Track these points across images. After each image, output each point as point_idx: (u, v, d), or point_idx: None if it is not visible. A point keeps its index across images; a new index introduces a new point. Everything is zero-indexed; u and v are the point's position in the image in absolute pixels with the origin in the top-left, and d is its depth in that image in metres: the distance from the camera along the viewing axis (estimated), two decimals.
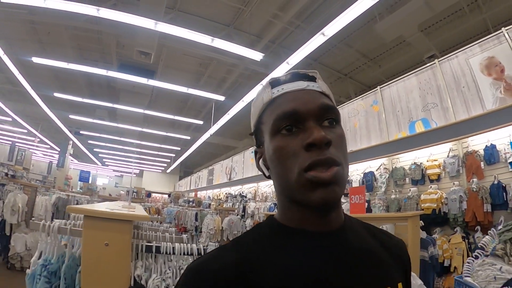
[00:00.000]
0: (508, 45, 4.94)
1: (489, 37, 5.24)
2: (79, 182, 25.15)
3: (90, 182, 24.56)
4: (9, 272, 6.05)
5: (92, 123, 16.23)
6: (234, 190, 14.50)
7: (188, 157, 20.84)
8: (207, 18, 8.30)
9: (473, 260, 2.66)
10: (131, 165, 29.03)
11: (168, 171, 29.62)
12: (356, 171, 7.64)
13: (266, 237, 0.63)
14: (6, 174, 9.34)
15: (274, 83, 0.67)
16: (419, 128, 6.26)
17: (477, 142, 5.32)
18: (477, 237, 4.59)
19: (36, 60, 9.14)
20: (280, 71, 7.71)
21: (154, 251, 2.02)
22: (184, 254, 2.09)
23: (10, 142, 15.91)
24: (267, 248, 0.60)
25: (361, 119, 7.78)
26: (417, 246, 3.28)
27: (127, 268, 1.80)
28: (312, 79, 0.67)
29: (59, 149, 21.60)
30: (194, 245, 2.12)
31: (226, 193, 15.01)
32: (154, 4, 6.70)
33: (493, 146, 5.00)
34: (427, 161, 6.03)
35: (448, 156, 5.68)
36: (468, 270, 2.57)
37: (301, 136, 0.59)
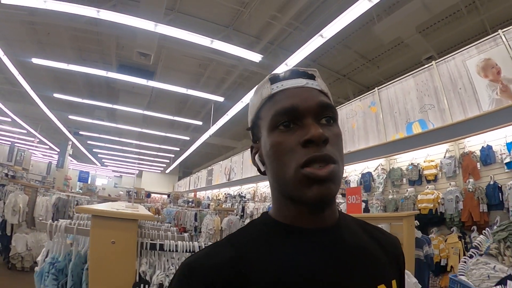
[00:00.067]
0: (504, 47, 4.98)
1: (486, 39, 5.28)
2: (78, 182, 25.14)
3: (89, 182, 24.55)
4: (10, 272, 6.06)
5: (91, 123, 16.24)
6: (233, 190, 14.54)
7: (187, 157, 20.83)
8: (207, 20, 8.34)
9: (468, 259, 2.69)
10: (131, 166, 29.02)
11: (167, 171, 29.59)
12: (354, 172, 7.69)
13: (260, 234, 0.63)
14: (6, 175, 9.34)
15: (274, 79, 0.67)
16: (416, 129, 6.30)
17: (474, 143, 5.36)
18: (473, 237, 4.62)
19: (35, 61, 9.17)
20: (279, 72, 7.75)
21: (158, 249, 2.08)
22: (186, 251, 2.15)
23: (10, 143, 15.87)
24: (261, 245, 0.60)
25: (359, 120, 7.83)
26: (412, 245, 3.33)
27: (132, 264, 1.87)
28: (312, 77, 0.67)
29: (58, 150, 21.55)
30: (196, 243, 2.19)
31: (225, 194, 15.02)
32: (154, 5, 6.72)
33: (489, 147, 5.05)
34: (424, 161, 6.08)
35: (444, 157, 5.73)
36: (462, 269, 2.60)
37: (298, 132, 0.59)
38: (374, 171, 7.21)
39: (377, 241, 0.69)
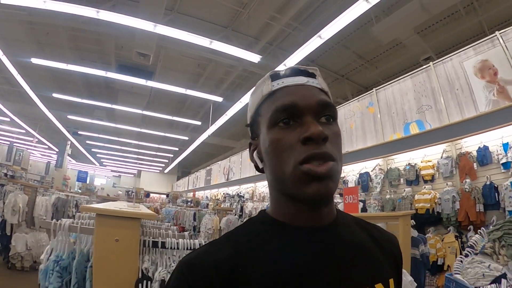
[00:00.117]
0: (501, 48, 5.01)
1: (483, 41, 5.31)
2: (77, 182, 25.13)
3: (87, 182, 24.57)
4: (9, 272, 6.06)
5: (90, 123, 16.22)
6: (232, 190, 14.56)
7: (186, 157, 20.81)
8: (206, 20, 8.35)
9: (463, 258, 2.73)
10: (130, 166, 28.97)
11: (166, 171, 29.56)
12: (352, 172, 7.73)
13: (258, 232, 0.63)
14: (6, 175, 9.35)
15: (274, 76, 0.66)
16: (414, 129, 6.34)
17: (470, 144, 5.41)
18: (470, 236, 4.63)
19: (35, 61, 9.16)
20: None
21: (160, 246, 2.14)
22: (187, 249, 2.20)
23: (8, 142, 15.88)
24: (259, 243, 0.60)
25: (357, 121, 7.86)
26: (408, 244, 3.37)
27: (135, 261, 1.92)
28: (312, 75, 0.67)
29: (57, 150, 21.52)
30: (196, 240, 2.25)
31: (224, 193, 15.04)
32: (153, 5, 6.74)
33: (485, 148, 5.10)
34: (421, 162, 6.12)
35: (441, 157, 5.77)
36: (458, 268, 2.63)
37: (298, 130, 0.59)
38: (372, 171, 7.25)
39: (375, 240, 0.69)
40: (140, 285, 1.88)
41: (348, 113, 8.09)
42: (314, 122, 0.59)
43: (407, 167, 6.31)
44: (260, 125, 0.66)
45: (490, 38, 5.24)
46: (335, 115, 0.64)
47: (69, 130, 18.18)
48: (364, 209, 6.66)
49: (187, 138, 17.63)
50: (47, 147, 23.10)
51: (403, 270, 0.80)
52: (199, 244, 2.29)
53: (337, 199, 6.54)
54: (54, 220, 2.02)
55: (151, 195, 23.76)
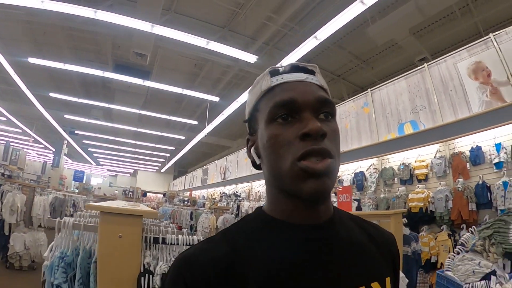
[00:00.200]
0: (495, 50, 5.07)
1: (477, 43, 5.37)
2: (73, 181, 25.06)
3: (84, 181, 24.51)
4: (8, 271, 6.03)
5: (87, 123, 16.18)
6: (228, 189, 14.59)
7: (182, 156, 20.81)
8: (203, 20, 8.38)
9: (454, 256, 2.78)
10: (127, 165, 28.88)
11: (162, 170, 29.51)
12: (347, 171, 7.78)
13: (254, 230, 0.62)
14: (3, 174, 9.35)
15: (274, 72, 0.66)
16: (408, 129, 6.40)
17: (463, 144, 5.47)
18: (463, 235, 4.72)
19: (32, 60, 9.14)
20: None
21: (160, 242, 2.23)
22: (186, 244, 2.29)
23: (5, 142, 15.81)
24: (255, 240, 0.59)
25: (352, 121, 7.91)
26: (400, 242, 3.42)
27: (138, 256, 2.01)
28: (312, 72, 0.67)
29: (53, 149, 21.45)
30: (195, 236, 2.33)
31: (220, 193, 15.06)
32: (151, 6, 6.75)
33: (478, 148, 5.16)
34: (415, 161, 6.19)
35: (435, 157, 5.84)
36: (449, 265, 2.69)
37: (296, 125, 0.58)
38: (366, 170, 7.31)
39: (372, 238, 0.69)
40: (142, 278, 1.96)
41: (344, 113, 8.14)
42: (313, 118, 0.58)
43: (401, 167, 6.37)
44: (258, 121, 0.66)
45: (484, 40, 5.29)
46: (334, 112, 0.65)
47: (66, 129, 18.13)
48: (359, 208, 6.73)
49: (183, 137, 17.63)
50: (43, 146, 23.01)
51: None
52: (198, 240, 2.37)
53: (332, 197, 6.60)
54: (58, 218, 2.09)
55: (148, 194, 23.75)
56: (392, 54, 9.55)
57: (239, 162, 14.04)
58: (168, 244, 2.26)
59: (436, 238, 5.14)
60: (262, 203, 9.37)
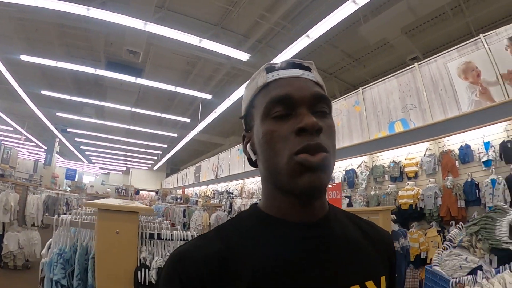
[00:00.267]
0: (485, 51, 5.18)
1: (467, 43, 5.47)
2: (65, 180, 24.82)
3: (76, 180, 24.32)
4: (2, 270, 5.99)
5: (79, 120, 16.03)
6: (221, 187, 14.63)
7: (175, 154, 20.72)
8: (196, 18, 8.37)
9: (442, 251, 2.84)
10: (119, 163, 28.70)
11: (155, 168, 29.37)
12: (338, 169, 7.86)
13: (249, 227, 0.62)
14: None
15: (270, 68, 0.66)
16: (398, 128, 6.50)
17: (453, 142, 5.58)
18: (451, 231, 4.81)
19: (24, 58, 9.05)
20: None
21: (156, 238, 2.30)
22: (180, 240, 2.37)
23: None
24: (249, 238, 0.59)
25: (343, 119, 8.00)
26: None
27: (134, 251, 2.09)
28: (308, 68, 0.66)
29: (45, 147, 21.26)
30: (189, 232, 2.38)
31: (213, 190, 15.06)
32: (144, 3, 6.76)
33: (467, 146, 5.27)
34: (405, 159, 6.29)
35: (425, 155, 5.94)
36: (437, 260, 2.75)
37: (292, 121, 0.58)
38: (357, 168, 7.40)
39: (368, 236, 0.68)
40: (139, 272, 2.03)
41: (335, 112, 8.19)
42: (308, 113, 0.58)
43: (392, 164, 6.47)
44: (254, 117, 0.65)
45: (474, 40, 5.39)
46: (330, 108, 0.64)
47: (58, 127, 17.97)
48: (350, 205, 6.83)
49: (176, 135, 17.56)
50: (35, 144, 22.77)
51: None
52: (191, 235, 2.43)
53: None
54: (56, 216, 2.13)
55: (141, 192, 23.68)
56: (384, 53, 9.62)
57: (231, 159, 14.08)
58: (163, 239, 2.33)
59: (425, 235, 5.24)
60: (254, 200, 9.44)
